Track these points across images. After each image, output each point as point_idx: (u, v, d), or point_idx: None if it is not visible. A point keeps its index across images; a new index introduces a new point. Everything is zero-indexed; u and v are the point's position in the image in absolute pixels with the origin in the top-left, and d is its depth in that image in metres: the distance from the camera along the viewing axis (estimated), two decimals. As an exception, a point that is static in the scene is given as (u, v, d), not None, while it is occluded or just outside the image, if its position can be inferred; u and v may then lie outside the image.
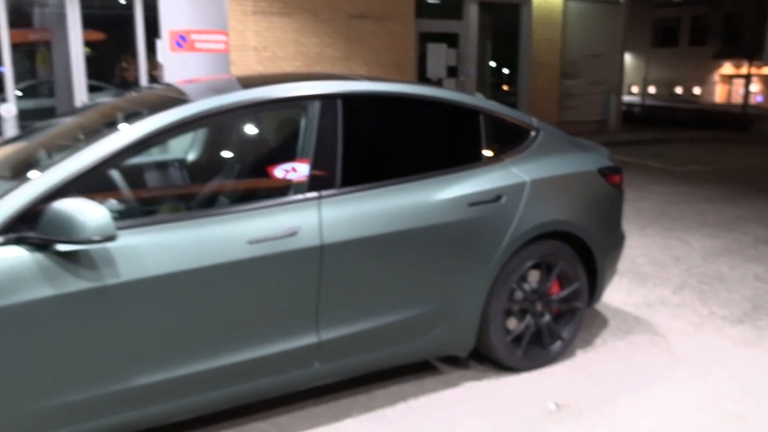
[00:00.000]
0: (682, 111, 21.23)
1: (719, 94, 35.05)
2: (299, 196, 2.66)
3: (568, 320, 3.41)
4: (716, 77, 35.20)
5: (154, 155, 3.14)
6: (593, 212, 3.37)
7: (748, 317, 4.06)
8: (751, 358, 3.49)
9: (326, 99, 2.80)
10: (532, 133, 3.34)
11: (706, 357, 3.49)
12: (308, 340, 2.69)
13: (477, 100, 3.20)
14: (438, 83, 12.34)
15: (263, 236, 2.52)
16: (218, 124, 2.98)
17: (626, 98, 22.03)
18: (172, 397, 2.48)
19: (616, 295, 4.43)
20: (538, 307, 3.29)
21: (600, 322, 3.95)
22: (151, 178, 3.09)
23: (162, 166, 3.16)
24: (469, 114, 3.16)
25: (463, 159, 3.08)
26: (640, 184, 8.72)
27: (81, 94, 9.48)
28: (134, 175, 2.88)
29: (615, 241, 3.58)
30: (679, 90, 36.25)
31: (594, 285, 3.48)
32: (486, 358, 3.34)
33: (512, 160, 3.20)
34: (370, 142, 2.95)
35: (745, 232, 6.23)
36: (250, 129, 3.01)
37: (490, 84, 13.73)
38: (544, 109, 13.47)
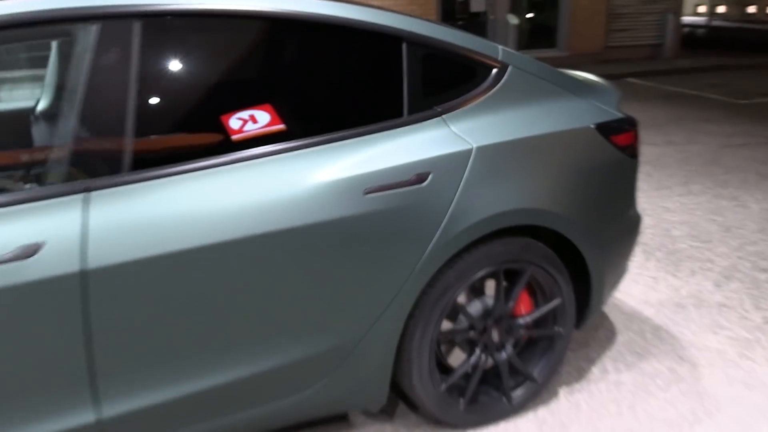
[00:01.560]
0: (753, 33, 18.92)
1: (798, 12, 31.62)
2: (46, 189, 1.58)
3: (542, 353, 2.30)
4: (796, -6, 31.69)
5: None
6: (586, 192, 2.19)
7: (820, 330, 2.88)
8: (822, 408, 2.34)
9: (110, 21, 1.66)
10: (494, 71, 2.13)
11: (753, 405, 2.35)
12: (81, 418, 1.66)
13: (396, 20, 2.00)
14: (465, 2, 10.86)
15: (-36, 261, 1.48)
16: None
17: (689, 19, 19.82)
18: None
19: (634, 288, 3.28)
20: (495, 336, 2.20)
21: (604, 337, 2.83)
22: None
23: None
24: (384, 42, 1.97)
25: (370, 115, 1.93)
26: (692, 122, 7.30)
27: None
28: None
29: (623, 230, 2.39)
30: (752, 9, 32.91)
31: (586, 299, 2.36)
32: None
33: (455, 114, 2.03)
34: (195, 95, 1.77)
35: (822, 188, 4.89)
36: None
37: (527, 3, 12.09)
38: (588, 33, 11.85)
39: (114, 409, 1.68)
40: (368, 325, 1.93)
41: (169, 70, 1.72)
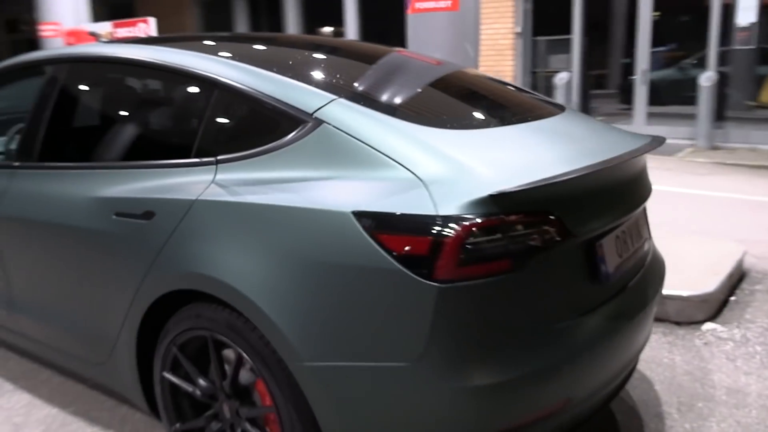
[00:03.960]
0: None
1: None
2: None
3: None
4: None
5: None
6: (310, 297, 1.83)
7: None
8: None
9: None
10: (299, 127, 1.97)
11: None
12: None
13: (216, 66, 2.23)
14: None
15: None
16: None
17: None
18: None
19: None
20: (226, 411, 2.18)
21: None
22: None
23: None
24: (196, 87, 2.31)
25: (166, 152, 2.35)
26: None
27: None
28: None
29: (385, 381, 1.79)
30: None
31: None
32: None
33: (231, 165, 2.06)
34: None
35: None
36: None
37: None
38: None
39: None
40: (117, 328, 2.34)
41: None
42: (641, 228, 2.39)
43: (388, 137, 1.89)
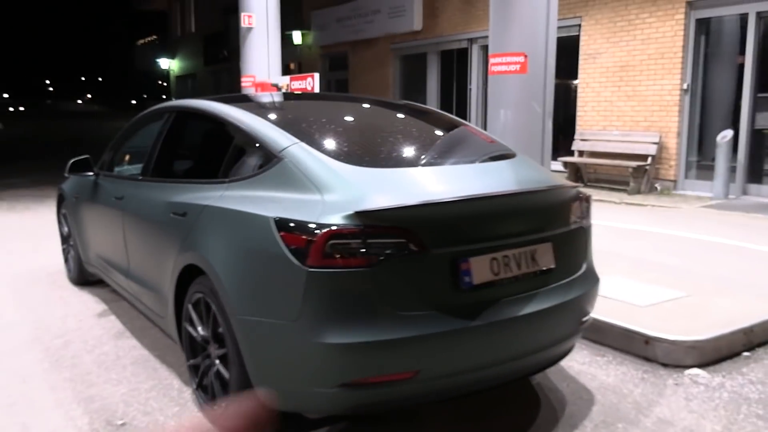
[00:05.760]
0: None
1: None
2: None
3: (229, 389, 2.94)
4: None
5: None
6: (243, 272, 2.76)
7: None
8: None
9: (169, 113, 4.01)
10: (271, 160, 2.95)
11: None
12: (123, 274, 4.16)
13: (233, 111, 3.42)
14: None
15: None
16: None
17: None
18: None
19: None
20: (211, 351, 3.10)
21: None
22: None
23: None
24: (230, 130, 3.38)
25: (208, 173, 3.37)
26: None
27: None
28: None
29: (279, 334, 2.60)
30: None
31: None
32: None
33: (233, 184, 3.09)
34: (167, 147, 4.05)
35: None
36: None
37: None
38: None
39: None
40: (168, 290, 3.43)
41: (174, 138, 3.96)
42: (540, 257, 2.90)
43: (318, 171, 2.79)
